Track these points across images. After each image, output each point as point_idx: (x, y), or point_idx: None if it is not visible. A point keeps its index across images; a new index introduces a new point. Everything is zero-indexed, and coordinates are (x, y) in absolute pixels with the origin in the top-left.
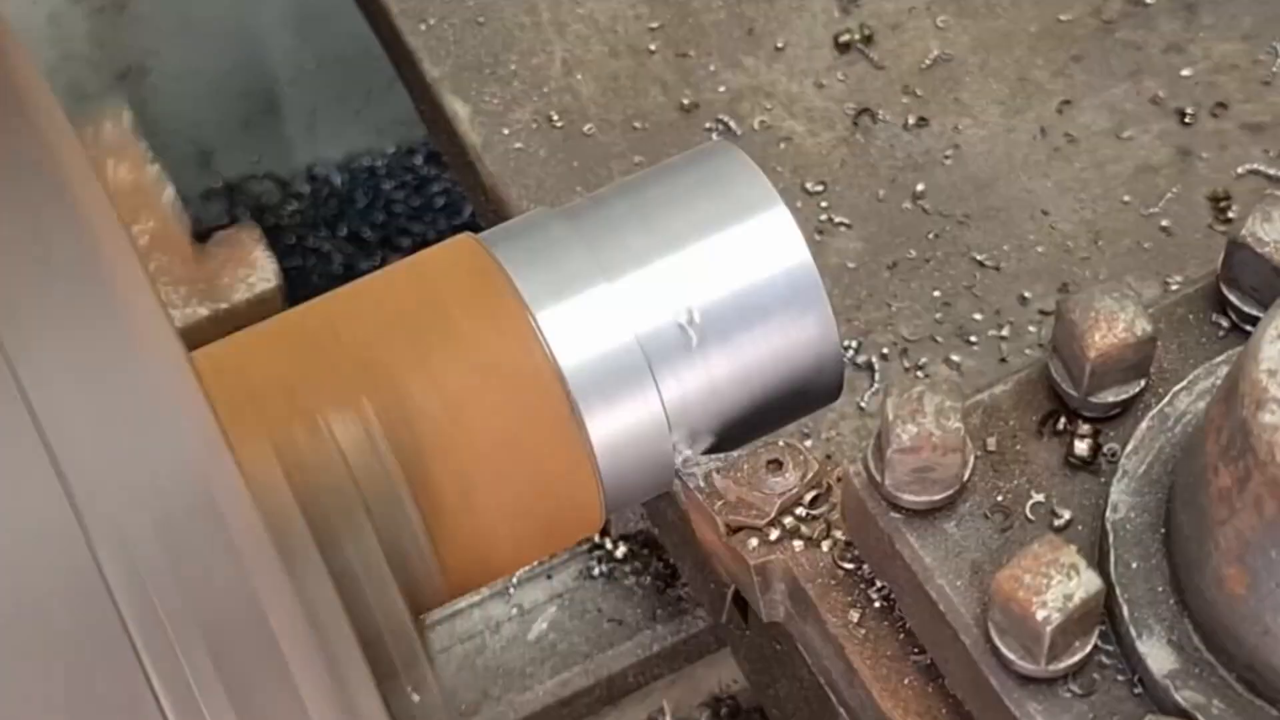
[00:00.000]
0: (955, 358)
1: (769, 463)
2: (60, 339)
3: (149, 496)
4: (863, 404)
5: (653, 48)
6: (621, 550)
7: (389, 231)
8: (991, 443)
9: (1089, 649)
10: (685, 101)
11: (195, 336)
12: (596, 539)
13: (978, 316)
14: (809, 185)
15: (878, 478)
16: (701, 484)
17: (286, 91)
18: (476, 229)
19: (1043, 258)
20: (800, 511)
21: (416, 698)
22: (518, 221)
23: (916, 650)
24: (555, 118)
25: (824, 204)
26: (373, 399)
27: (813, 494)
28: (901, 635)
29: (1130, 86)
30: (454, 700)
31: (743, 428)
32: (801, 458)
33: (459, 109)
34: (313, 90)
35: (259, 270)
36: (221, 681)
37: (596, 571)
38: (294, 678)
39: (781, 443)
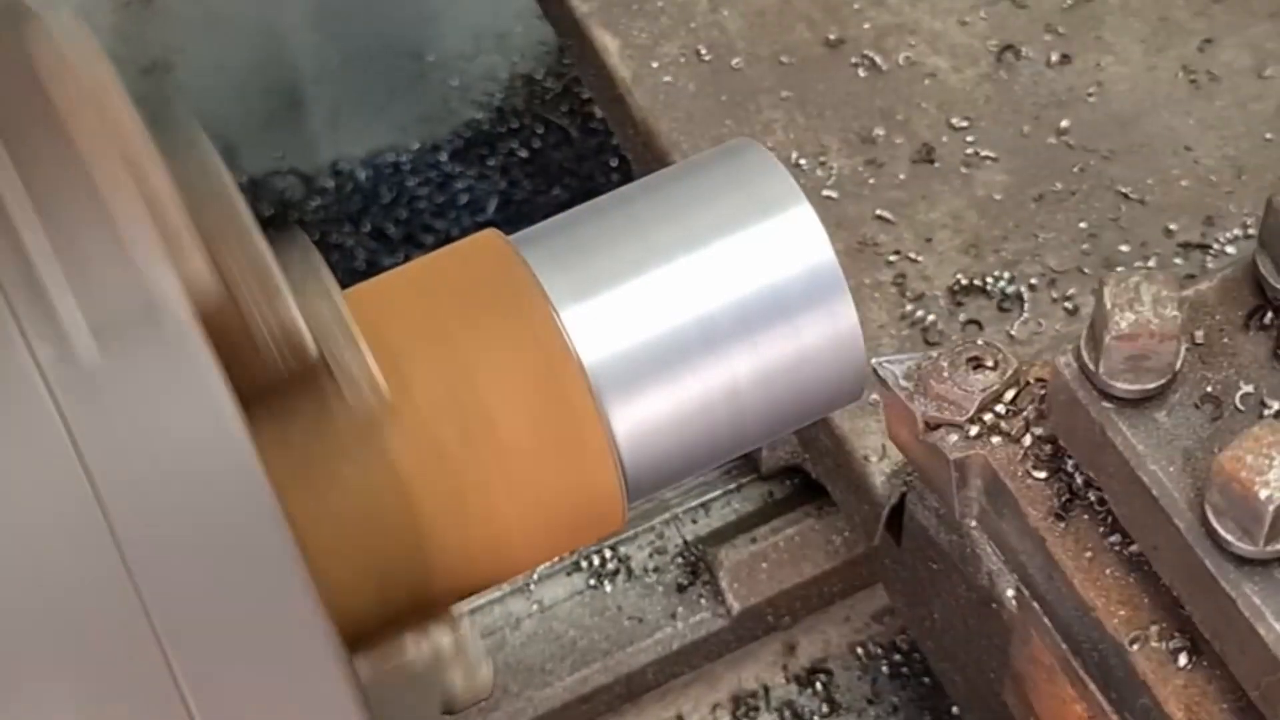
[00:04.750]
0: None
1: (969, 360)
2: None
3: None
4: (1013, 332)
5: None
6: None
7: (412, 228)
8: (1199, 335)
9: None
10: (831, 37)
11: None
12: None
13: (1124, 248)
14: (954, 120)
15: (1091, 366)
16: (901, 381)
17: (311, 88)
18: (500, 226)
19: (1187, 192)
20: (1000, 409)
21: None
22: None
23: (1117, 542)
24: (703, 52)
25: (970, 139)
26: (393, 391)
27: (1012, 391)
28: (1101, 528)
29: (1271, 26)
30: None
31: (764, 426)
32: (1001, 355)
33: (608, 43)
34: (337, 87)
35: None
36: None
37: (615, 569)
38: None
39: (981, 341)
